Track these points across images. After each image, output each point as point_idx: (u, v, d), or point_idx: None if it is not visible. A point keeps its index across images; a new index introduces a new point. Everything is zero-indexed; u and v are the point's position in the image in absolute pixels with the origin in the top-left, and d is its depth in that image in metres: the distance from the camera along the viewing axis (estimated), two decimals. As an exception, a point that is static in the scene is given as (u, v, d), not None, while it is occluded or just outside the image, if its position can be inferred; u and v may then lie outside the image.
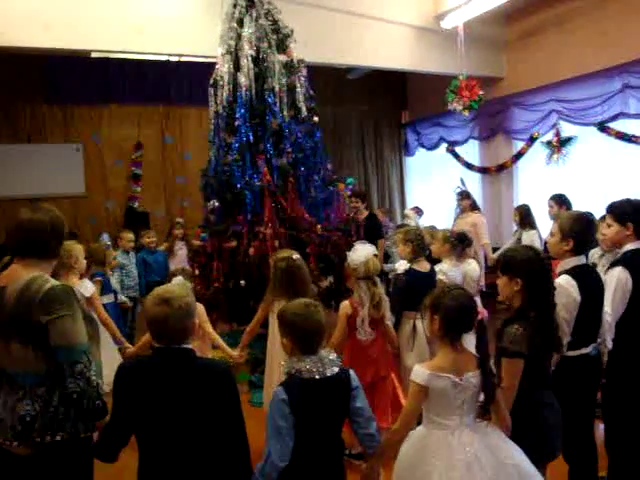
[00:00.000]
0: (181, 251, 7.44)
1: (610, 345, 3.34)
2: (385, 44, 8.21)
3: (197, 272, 5.37)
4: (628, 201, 3.53)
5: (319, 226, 5.35)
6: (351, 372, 2.50)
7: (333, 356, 2.47)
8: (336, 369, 2.43)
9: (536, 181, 8.82)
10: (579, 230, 3.13)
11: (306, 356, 2.40)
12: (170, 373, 2.23)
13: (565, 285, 2.97)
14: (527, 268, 2.68)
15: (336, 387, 2.42)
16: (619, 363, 3.43)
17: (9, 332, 2.31)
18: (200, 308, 4.08)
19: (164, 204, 10.34)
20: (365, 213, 7.36)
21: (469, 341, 2.51)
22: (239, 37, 5.63)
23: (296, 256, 4.06)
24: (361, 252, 4.04)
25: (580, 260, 3.17)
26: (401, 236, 4.55)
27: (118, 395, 2.27)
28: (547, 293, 2.67)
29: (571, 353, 3.01)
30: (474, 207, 7.94)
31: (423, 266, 4.49)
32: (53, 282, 2.38)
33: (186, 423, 2.22)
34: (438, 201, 10.28)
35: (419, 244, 4.48)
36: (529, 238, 6.98)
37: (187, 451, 2.22)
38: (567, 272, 3.06)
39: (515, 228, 7.62)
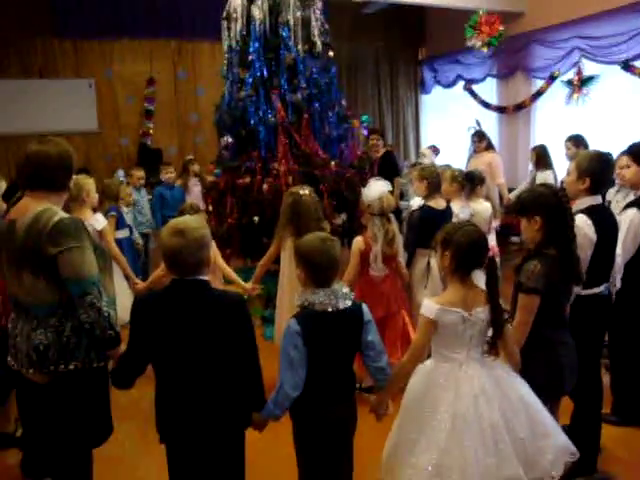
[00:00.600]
0: (196, 187, 7.45)
1: (619, 285, 3.36)
2: (403, -24, 7.96)
3: (210, 208, 5.39)
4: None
5: (333, 163, 5.32)
6: (364, 306, 2.53)
7: (346, 290, 2.49)
8: (349, 302, 2.45)
9: (554, 121, 8.64)
10: (596, 169, 3.09)
11: (319, 289, 2.42)
12: (185, 304, 2.26)
13: (580, 225, 2.96)
14: (543, 204, 2.68)
15: (349, 320, 2.44)
16: (627, 303, 3.46)
17: (21, 263, 2.36)
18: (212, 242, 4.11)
19: (177, 140, 10.29)
20: (382, 151, 7.29)
21: (479, 278, 2.51)
22: (253, -32, 5.46)
23: (304, 191, 4.04)
24: (375, 188, 4.04)
25: (596, 200, 3.15)
26: (416, 173, 4.55)
27: (135, 326, 2.31)
28: (565, 227, 2.67)
29: (584, 292, 3.02)
30: (489, 147, 7.84)
31: (438, 203, 4.48)
32: (62, 214, 2.39)
33: (201, 352, 2.26)
34: (454, 140, 10.14)
35: (434, 181, 4.45)
36: (543, 178, 6.92)
37: (202, 380, 2.27)
38: (582, 211, 3.04)
39: (531, 169, 7.55)
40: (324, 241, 2.47)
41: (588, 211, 3.06)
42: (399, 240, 4.10)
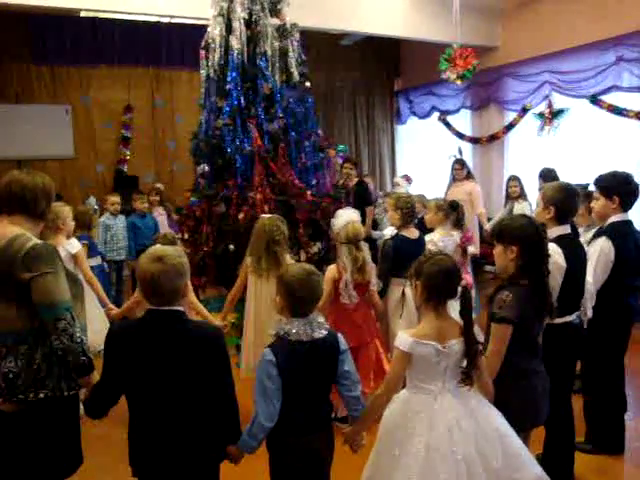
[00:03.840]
0: (161, 217, 7.44)
1: (590, 314, 3.41)
2: (379, 10, 8.11)
3: (186, 236, 5.36)
4: (613, 174, 3.59)
5: (309, 192, 5.35)
6: (339, 336, 2.53)
7: (322, 319, 2.49)
8: (324, 332, 2.46)
9: (527, 152, 8.83)
10: (560, 198, 3.19)
11: (295, 319, 2.43)
12: (160, 335, 2.24)
13: (551, 253, 3.01)
14: (522, 235, 2.70)
15: (324, 350, 2.45)
16: (598, 332, 3.51)
17: None
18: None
19: (154, 168, 10.27)
20: (355, 180, 7.36)
21: (453, 309, 2.53)
22: (231, -1, 5.53)
23: (269, 216, 4.15)
24: (342, 217, 4.11)
25: (565, 229, 3.24)
26: (391, 202, 4.58)
27: (109, 355, 2.29)
28: (541, 260, 2.70)
29: (556, 321, 3.07)
30: (469, 175, 7.93)
31: (412, 233, 4.52)
32: (35, 240, 2.40)
33: (176, 384, 2.24)
34: (428, 170, 10.29)
35: (408, 211, 4.49)
36: (521, 209, 7.05)
37: (177, 413, 2.26)
38: (552, 240, 3.09)
39: (504, 199, 7.66)
40: (310, 274, 2.48)
41: (557, 240, 3.13)
42: (370, 268, 4.11)
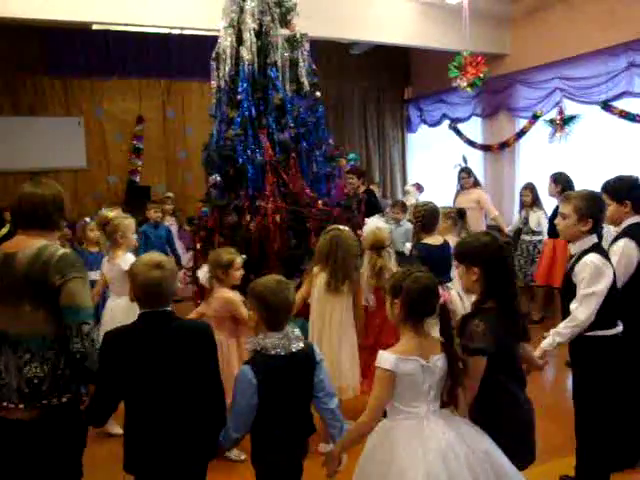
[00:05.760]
0: (172, 227, 7.43)
1: None
2: (389, 19, 8.13)
3: (198, 246, 5.39)
4: (620, 179, 3.60)
5: (320, 201, 5.35)
6: (314, 346, 2.52)
7: (297, 332, 2.49)
8: (301, 344, 2.46)
9: (538, 159, 8.79)
10: (597, 210, 3.16)
11: (272, 332, 2.42)
12: (160, 334, 2.36)
13: (599, 263, 3.05)
14: (483, 255, 2.51)
15: (301, 362, 2.44)
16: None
17: (21, 295, 2.39)
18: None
19: (165, 178, 10.33)
20: (362, 189, 7.36)
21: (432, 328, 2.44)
22: (242, 10, 5.56)
23: (344, 228, 4.11)
24: (367, 226, 4.50)
25: (595, 238, 3.20)
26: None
27: (108, 362, 2.35)
28: (507, 281, 2.51)
29: (605, 332, 3.07)
30: (476, 183, 7.94)
31: (435, 239, 4.57)
32: (64, 249, 2.51)
33: (174, 378, 2.34)
34: (439, 178, 10.27)
35: (425, 219, 4.56)
36: (537, 219, 7.02)
37: (175, 405, 2.34)
38: (588, 251, 3.09)
39: (518, 207, 7.62)
40: (280, 283, 2.48)
41: (593, 249, 3.11)
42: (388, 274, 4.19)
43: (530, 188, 7.31)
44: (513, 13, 8.86)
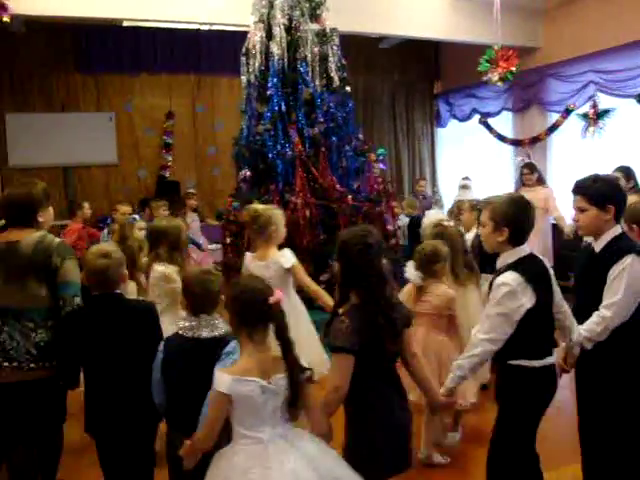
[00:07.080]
0: (194, 223, 7.40)
1: (585, 335, 2.74)
2: (419, 12, 8.08)
3: (228, 240, 5.43)
4: (602, 179, 2.88)
5: (350, 196, 5.35)
6: (232, 341, 2.41)
7: (219, 321, 2.53)
8: (217, 333, 2.48)
9: (570, 154, 8.65)
10: (513, 217, 2.62)
11: (192, 317, 2.54)
12: (111, 313, 2.72)
13: (514, 285, 2.51)
14: (342, 250, 2.41)
15: (207, 350, 2.43)
16: (612, 364, 2.79)
17: (27, 273, 2.82)
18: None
19: (195, 173, 10.40)
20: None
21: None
22: (271, 5, 5.59)
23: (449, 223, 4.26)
24: (430, 217, 4.60)
25: (523, 251, 2.65)
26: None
27: (69, 335, 2.73)
28: (365, 274, 2.34)
29: (536, 363, 2.58)
30: (540, 180, 7.41)
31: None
32: (57, 238, 2.99)
33: (123, 350, 2.66)
34: (470, 173, 10.16)
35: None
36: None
37: (125, 374, 2.65)
38: (510, 267, 2.58)
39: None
40: (204, 273, 2.65)
41: (516, 265, 2.60)
42: None
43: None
44: (545, 5, 8.72)
